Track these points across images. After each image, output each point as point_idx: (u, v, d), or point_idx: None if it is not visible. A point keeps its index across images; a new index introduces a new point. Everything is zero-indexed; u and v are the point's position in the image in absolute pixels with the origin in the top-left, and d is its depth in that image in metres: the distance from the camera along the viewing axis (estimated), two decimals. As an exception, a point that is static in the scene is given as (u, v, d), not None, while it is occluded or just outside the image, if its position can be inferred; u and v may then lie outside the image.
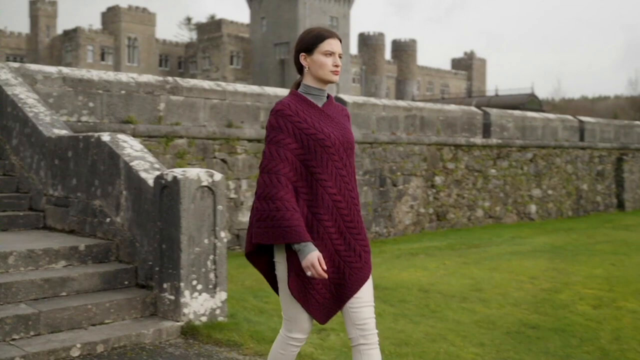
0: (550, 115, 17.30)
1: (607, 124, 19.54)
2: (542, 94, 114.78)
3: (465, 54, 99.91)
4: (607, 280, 7.28)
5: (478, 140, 14.23)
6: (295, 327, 2.68)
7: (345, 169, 2.67)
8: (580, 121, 18.22)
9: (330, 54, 2.68)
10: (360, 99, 12.33)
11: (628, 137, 20.11)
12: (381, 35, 79.70)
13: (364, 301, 2.62)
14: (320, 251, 2.54)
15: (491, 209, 14.48)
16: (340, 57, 2.71)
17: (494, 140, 14.59)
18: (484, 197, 14.27)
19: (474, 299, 6.12)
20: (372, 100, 12.51)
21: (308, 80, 2.73)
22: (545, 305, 5.98)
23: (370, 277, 2.66)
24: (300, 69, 2.74)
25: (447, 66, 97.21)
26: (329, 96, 2.76)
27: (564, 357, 4.42)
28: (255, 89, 10.45)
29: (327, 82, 2.71)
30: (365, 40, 79.20)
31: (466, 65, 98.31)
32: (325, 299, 2.61)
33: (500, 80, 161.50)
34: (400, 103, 13.10)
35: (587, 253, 9.56)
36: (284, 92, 10.91)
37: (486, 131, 14.54)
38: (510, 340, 4.79)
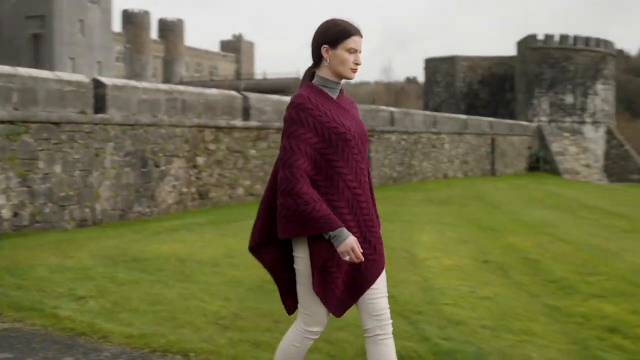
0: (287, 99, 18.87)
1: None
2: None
3: (234, 36, 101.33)
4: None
5: (238, 122, 15.12)
6: (314, 321, 2.68)
7: (363, 162, 2.68)
8: (331, 106, 20.13)
9: (354, 51, 2.65)
10: (120, 81, 12.44)
11: (375, 121, 22.59)
12: (147, 13, 77.51)
13: (379, 292, 2.67)
14: None
15: (252, 187, 15.52)
16: (360, 54, 2.68)
17: (253, 123, 15.61)
18: (244, 176, 15.25)
19: (226, 264, 6.88)
20: (132, 83, 12.70)
21: (325, 73, 2.68)
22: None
23: (384, 268, 2.72)
24: (317, 59, 2.69)
25: (216, 48, 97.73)
26: (341, 89, 2.76)
27: (293, 303, 5.36)
28: (6, 69, 10.08)
29: (344, 78, 2.69)
30: (130, 18, 76.44)
31: (235, 47, 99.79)
32: (343, 293, 2.62)
33: (269, 63, 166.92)
34: (162, 86, 13.45)
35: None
36: (39, 73, 10.66)
37: (246, 114, 15.49)
38: (252, 295, 5.61)
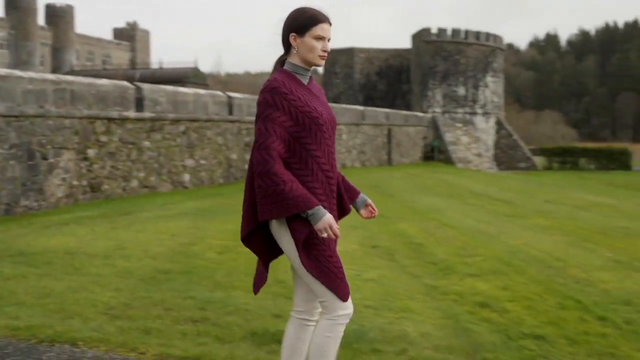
0: (201, 91, 18.72)
1: (253, 99, 21.85)
2: (206, 67, 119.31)
3: (128, 24, 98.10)
4: (235, 233, 8.61)
5: (131, 114, 14.83)
6: (335, 303, 2.64)
7: (332, 145, 2.73)
8: (229, 96, 20.04)
9: (321, 38, 2.68)
10: (4, 71, 11.90)
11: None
12: (33, -2, 73.54)
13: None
14: None
15: (146, 179, 15.28)
16: (329, 42, 2.72)
17: (147, 114, 15.35)
18: (138, 168, 14.99)
19: (117, 256, 6.84)
20: (17, 72, 12.17)
21: (295, 60, 2.73)
22: (179, 255, 7.01)
23: None
24: (287, 47, 2.74)
25: (109, 36, 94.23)
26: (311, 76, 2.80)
27: (184, 291, 5.44)
28: None
29: (313, 65, 2.73)
30: (14, 2, 72.26)
31: (129, 35, 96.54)
32: (342, 271, 2.65)
33: (165, 52, 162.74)
34: (49, 76, 12.97)
35: (226, 212, 11.01)
36: None
37: (139, 105, 15.21)
38: (144, 284, 5.65)
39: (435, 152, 43.36)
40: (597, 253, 8.32)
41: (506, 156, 49.44)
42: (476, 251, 7.97)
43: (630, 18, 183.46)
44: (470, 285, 6.12)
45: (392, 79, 53.49)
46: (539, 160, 48.84)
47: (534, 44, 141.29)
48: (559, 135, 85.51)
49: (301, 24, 2.67)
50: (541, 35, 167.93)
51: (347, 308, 2.67)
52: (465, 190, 19.08)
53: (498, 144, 49.68)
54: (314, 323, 2.79)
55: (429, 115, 44.49)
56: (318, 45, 2.68)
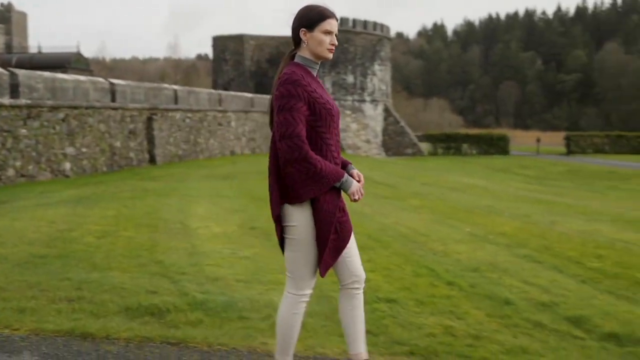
0: (81, 77, 18.25)
1: (138, 86, 21.46)
2: (90, 53, 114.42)
3: (3, 5, 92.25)
4: (116, 218, 8.75)
5: (5, 100, 14.29)
6: (304, 284, 2.98)
7: (339, 134, 3.00)
8: (112, 83, 19.63)
9: (329, 32, 2.91)
10: None
11: (157, 99, 22.47)
12: None
13: (354, 251, 3.10)
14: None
15: (23, 168, 14.81)
16: (336, 36, 2.96)
17: (23, 101, 14.84)
18: (15, 157, 14.50)
19: (-10, 244, 6.78)
20: None
21: (305, 53, 2.95)
22: (57, 241, 7.04)
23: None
24: (297, 41, 2.95)
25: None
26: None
27: (61, 273, 5.56)
28: None
29: (322, 58, 2.96)
30: None
31: (4, 18, 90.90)
32: (328, 256, 2.93)
33: (45, 37, 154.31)
34: None
35: (108, 200, 10.98)
36: None
37: (14, 92, 14.68)
38: (19, 269, 5.70)
39: (325, 139, 44.12)
40: (458, 229, 9.12)
41: (394, 142, 51.20)
42: (349, 229, 8.51)
43: (511, 10, 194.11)
44: (338, 259, 6.62)
45: (283, 67, 53.77)
46: (424, 146, 50.86)
47: (422, 34, 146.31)
48: (446, 122, 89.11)
49: (310, 19, 2.90)
50: (429, 24, 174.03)
51: (312, 288, 3.04)
52: (349, 175, 19.77)
53: (386, 130, 51.34)
54: (361, 291, 3.14)
55: (318, 103, 45.18)
56: (326, 39, 2.91)
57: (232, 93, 31.19)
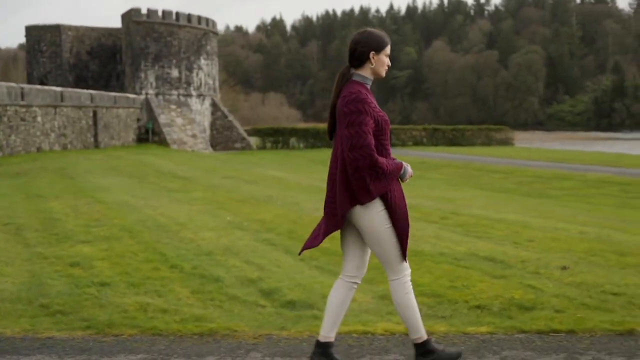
0: None
1: None
2: None
3: None
4: None
5: None
6: (400, 266, 3.42)
7: (390, 140, 3.46)
8: None
9: (388, 55, 3.45)
10: None
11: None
12: None
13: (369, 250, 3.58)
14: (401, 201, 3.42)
15: None
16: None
17: None
18: None
19: None
20: None
21: (367, 73, 3.41)
22: None
23: None
24: (361, 61, 3.38)
25: None
26: None
27: None
28: None
29: (379, 77, 3.47)
30: None
31: None
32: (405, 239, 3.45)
33: None
34: None
35: None
36: None
37: None
38: None
39: (150, 134, 43.50)
40: (220, 218, 9.70)
41: (222, 137, 51.38)
42: (109, 222, 8.82)
43: (347, 7, 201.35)
44: (77, 250, 6.93)
45: (105, 59, 51.96)
46: (254, 140, 51.32)
47: (262, 28, 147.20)
48: (284, 116, 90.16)
49: (380, 43, 3.40)
50: (268, 19, 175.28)
51: (409, 267, 3.49)
52: (152, 170, 19.92)
53: (214, 125, 51.40)
54: (357, 286, 3.56)
55: (141, 97, 44.37)
56: (387, 60, 3.46)
57: (38, 87, 29.75)
